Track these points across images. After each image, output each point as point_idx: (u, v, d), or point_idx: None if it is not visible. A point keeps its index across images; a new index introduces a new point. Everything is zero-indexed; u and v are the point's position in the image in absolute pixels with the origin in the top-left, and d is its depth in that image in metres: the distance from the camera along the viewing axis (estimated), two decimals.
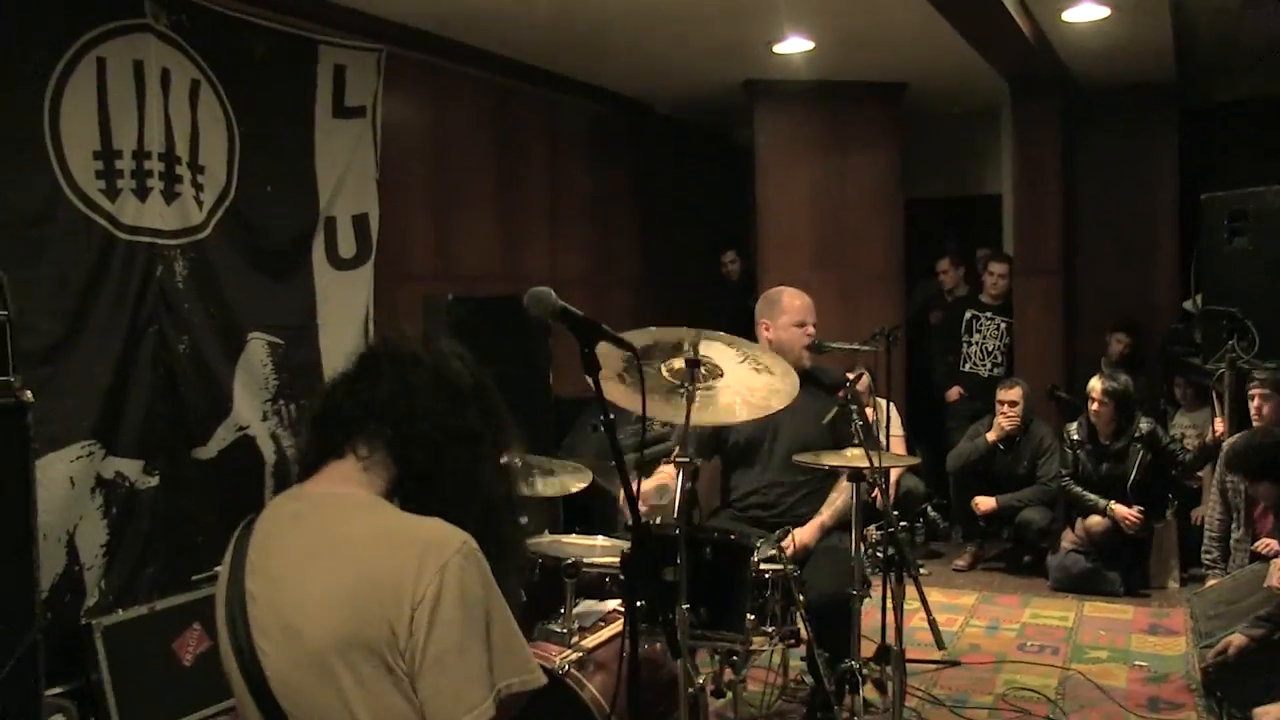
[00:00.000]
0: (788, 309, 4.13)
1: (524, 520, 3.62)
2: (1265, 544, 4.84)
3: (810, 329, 4.09)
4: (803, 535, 3.89)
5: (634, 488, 1.99)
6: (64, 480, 4.05)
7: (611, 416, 1.88)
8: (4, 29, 3.88)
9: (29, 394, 2.99)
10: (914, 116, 7.91)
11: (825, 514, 4.02)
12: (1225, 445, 4.99)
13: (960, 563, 6.74)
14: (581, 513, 5.42)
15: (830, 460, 3.63)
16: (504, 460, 1.76)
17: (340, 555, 1.59)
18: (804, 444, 3.88)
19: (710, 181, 9.06)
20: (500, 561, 1.63)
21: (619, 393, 3.01)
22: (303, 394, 4.97)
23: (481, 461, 1.72)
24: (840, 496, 4.00)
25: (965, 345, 7.50)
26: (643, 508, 3.88)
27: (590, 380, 1.87)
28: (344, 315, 5.26)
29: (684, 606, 2.83)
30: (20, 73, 3.94)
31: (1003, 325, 7.47)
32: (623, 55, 6.55)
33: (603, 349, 1.99)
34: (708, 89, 7.53)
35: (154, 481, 4.45)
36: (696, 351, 2.99)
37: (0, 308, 3.07)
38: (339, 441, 1.68)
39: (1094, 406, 6.17)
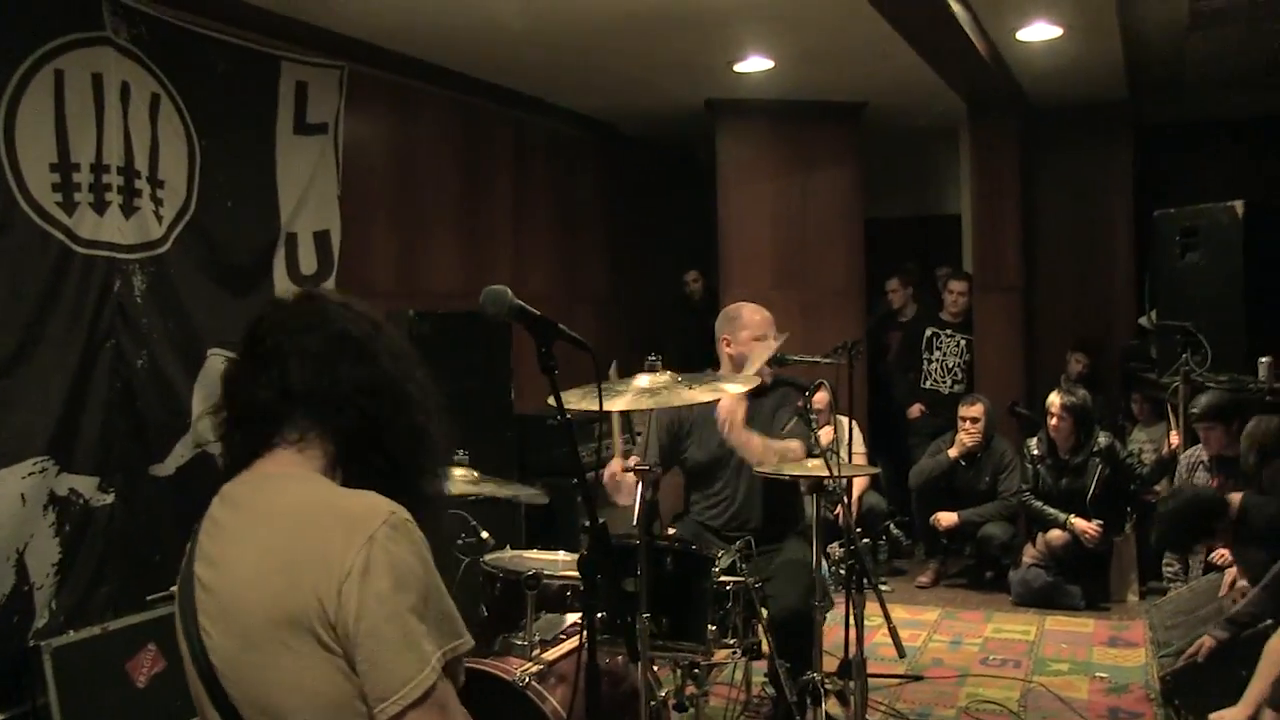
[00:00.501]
0: (748, 324, 4.14)
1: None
2: (1220, 555, 4.90)
3: (771, 343, 4.09)
4: (738, 431, 3.87)
5: (590, 491, 1.98)
6: (14, 497, 3.97)
7: (569, 417, 1.87)
8: None
9: None
10: (874, 136, 7.99)
11: (778, 444, 3.93)
12: (1154, 517, 4.96)
13: (923, 579, 6.76)
14: (544, 527, 5.40)
15: (791, 471, 3.63)
16: (423, 395, 1.71)
17: (271, 530, 1.56)
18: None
19: (674, 200, 9.09)
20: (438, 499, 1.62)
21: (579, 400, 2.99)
22: None
23: (408, 404, 1.67)
24: (789, 444, 3.93)
25: (926, 362, 7.55)
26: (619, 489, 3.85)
27: (547, 379, 1.86)
28: None
29: (644, 616, 2.82)
30: None
31: (963, 342, 7.52)
32: (587, 75, 6.58)
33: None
34: (670, 108, 7.57)
35: (109, 499, 4.37)
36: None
37: None
38: (266, 434, 1.64)
39: (1053, 422, 6.23)
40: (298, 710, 1.50)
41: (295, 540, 1.53)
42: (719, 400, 3.70)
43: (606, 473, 3.77)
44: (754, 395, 3.92)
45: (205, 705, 1.59)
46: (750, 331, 4.11)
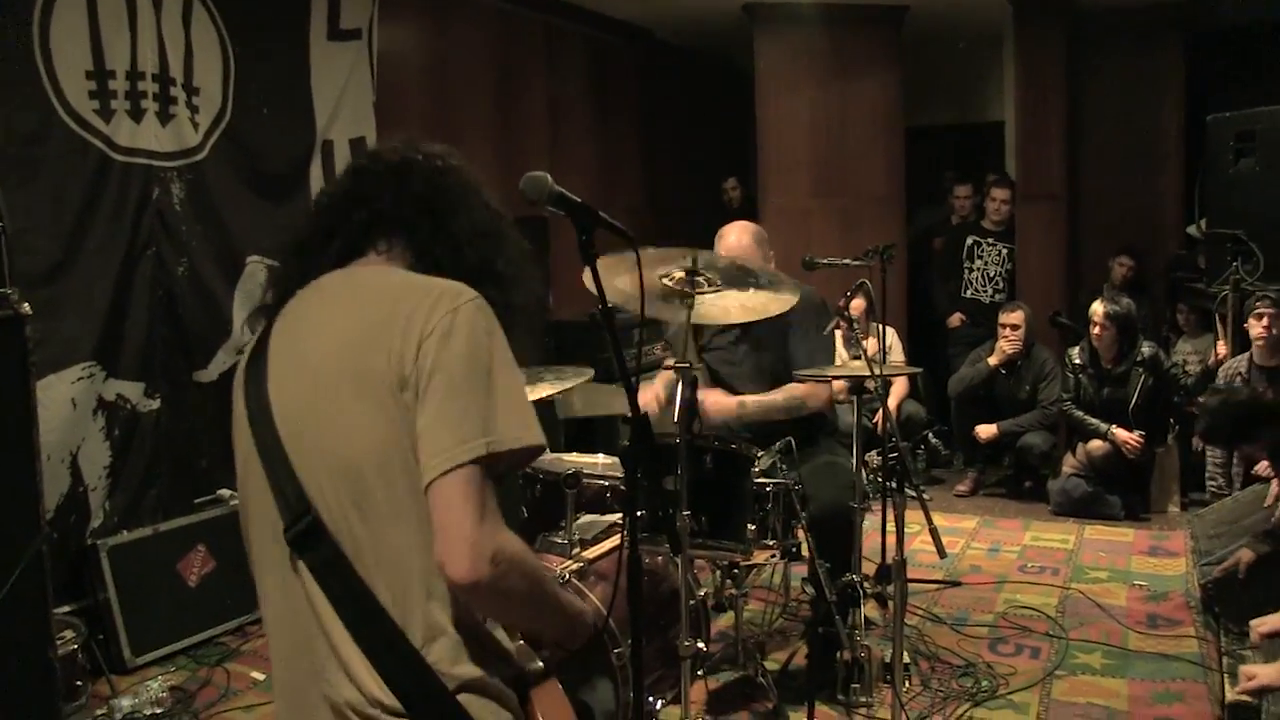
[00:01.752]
0: (716, 249, 3.98)
1: None
2: (1264, 466, 4.85)
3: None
4: (716, 401, 3.82)
5: (633, 382, 1.97)
6: (65, 401, 4.06)
7: (610, 305, 1.86)
8: None
9: (26, 306, 2.98)
10: (916, 42, 7.82)
11: (750, 399, 3.87)
12: (1200, 408, 4.87)
13: (961, 488, 6.77)
14: (582, 432, 5.44)
15: (833, 372, 3.63)
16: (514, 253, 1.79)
17: (358, 299, 1.64)
18: (780, 369, 3.87)
19: (711, 108, 8.98)
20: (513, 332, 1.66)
21: (619, 295, 2.99)
22: None
23: (500, 253, 1.75)
24: (777, 396, 3.87)
25: (966, 271, 7.46)
26: (654, 409, 3.87)
27: (587, 267, 1.85)
28: None
29: (684, 514, 2.84)
30: None
31: (1004, 251, 7.43)
32: None
33: (606, 264, 1.99)
34: (708, 13, 7.44)
35: (155, 404, 4.46)
36: (696, 262, 2.97)
37: None
38: (357, 244, 1.73)
39: (1095, 330, 6.16)
40: (361, 454, 1.55)
41: (382, 306, 1.60)
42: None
43: (642, 398, 3.76)
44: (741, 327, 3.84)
45: (252, 474, 1.65)
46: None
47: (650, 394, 3.97)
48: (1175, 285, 7.14)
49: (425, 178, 1.74)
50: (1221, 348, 5.83)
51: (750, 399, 3.86)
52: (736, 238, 3.94)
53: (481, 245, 1.73)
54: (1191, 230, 6.98)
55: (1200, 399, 5.78)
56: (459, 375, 1.54)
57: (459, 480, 1.51)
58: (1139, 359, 6.13)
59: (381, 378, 1.55)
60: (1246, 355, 5.40)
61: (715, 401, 3.82)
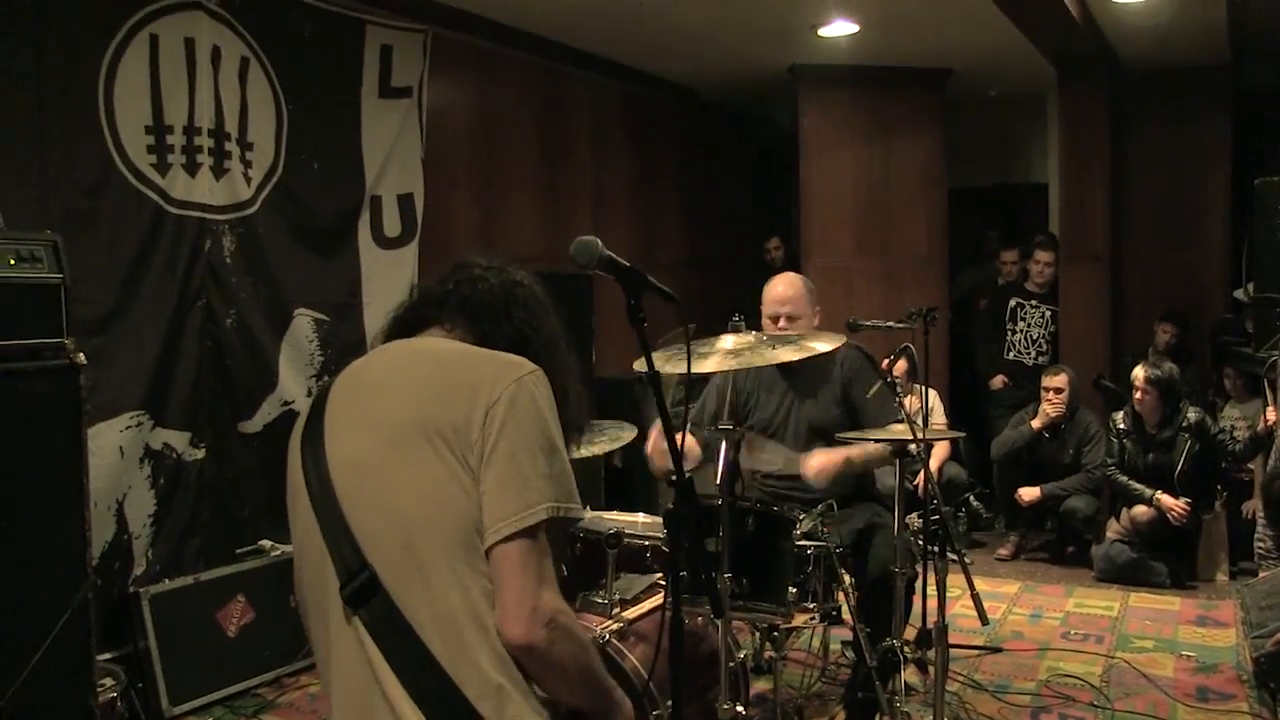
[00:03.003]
0: (765, 299, 4.01)
1: None
2: None
3: (783, 322, 3.91)
4: (819, 459, 3.74)
5: (679, 440, 1.99)
6: (114, 449, 4.12)
7: (656, 370, 1.89)
8: (64, 5, 3.94)
9: (82, 356, 3.04)
10: (959, 103, 7.87)
11: (855, 451, 3.78)
12: (1266, 476, 4.79)
13: (1003, 552, 6.69)
14: (621, 490, 5.44)
15: (875, 435, 3.62)
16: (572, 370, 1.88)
17: (424, 363, 1.72)
18: (823, 425, 3.86)
19: (755, 167, 9.04)
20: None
21: (663, 363, 3.01)
22: None
23: (559, 361, 1.84)
24: (871, 447, 3.79)
25: (1010, 333, 7.43)
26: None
27: (636, 331, 1.88)
28: (388, 294, 5.28)
29: (726, 576, 2.83)
30: (77, 48, 4.00)
31: (1048, 313, 7.40)
32: (667, 39, 6.55)
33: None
34: (752, 73, 7.52)
35: (200, 454, 4.51)
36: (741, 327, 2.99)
37: (56, 270, 3.11)
38: (426, 319, 1.82)
39: (1138, 395, 6.11)
40: (421, 510, 1.60)
41: (450, 370, 1.69)
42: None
43: (649, 443, 3.77)
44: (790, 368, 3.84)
45: (307, 530, 1.68)
46: (764, 309, 3.99)
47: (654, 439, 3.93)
48: (1221, 349, 7.07)
49: (501, 282, 1.86)
50: (1271, 414, 5.77)
51: (855, 450, 3.78)
52: (785, 287, 3.97)
53: (538, 342, 1.83)
54: (1239, 294, 6.92)
55: (1249, 473, 5.70)
56: (523, 442, 1.60)
57: (522, 545, 1.58)
58: (1184, 424, 6.06)
59: (447, 437, 1.61)
60: None
61: (830, 464, 3.73)
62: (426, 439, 1.61)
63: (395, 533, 1.61)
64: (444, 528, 1.59)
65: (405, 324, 1.83)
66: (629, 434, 3.73)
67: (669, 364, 2.95)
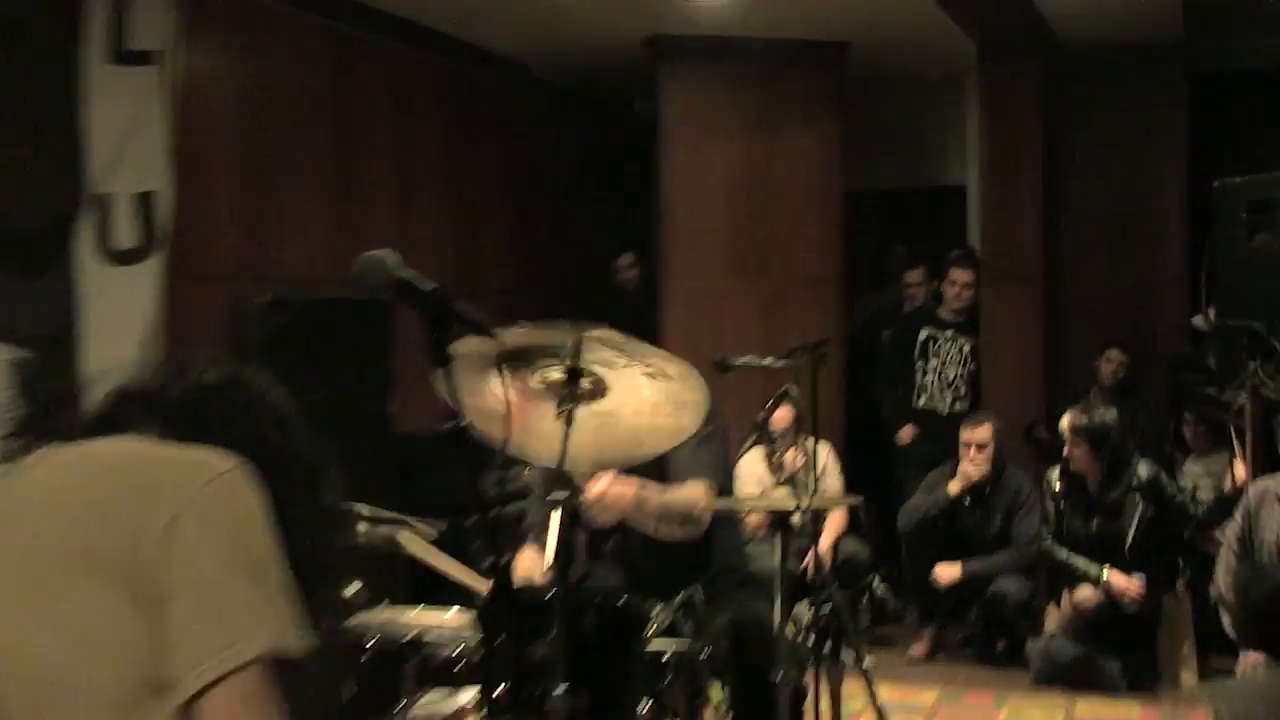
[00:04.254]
0: None
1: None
2: None
3: None
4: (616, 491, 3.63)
5: (492, 524, 1.93)
6: None
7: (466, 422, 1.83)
8: None
9: None
10: (859, 86, 8.02)
11: (654, 491, 3.70)
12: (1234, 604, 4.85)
13: (916, 651, 6.75)
14: (433, 577, 5.30)
15: (750, 502, 3.60)
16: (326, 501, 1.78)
17: (85, 470, 1.61)
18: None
19: (603, 166, 9.06)
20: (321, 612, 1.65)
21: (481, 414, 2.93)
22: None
23: (297, 491, 1.74)
24: (681, 494, 3.74)
25: (920, 373, 7.55)
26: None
27: (439, 375, 1.82)
28: (119, 324, 5.12)
29: (559, 691, 2.76)
30: None
31: (966, 347, 7.54)
32: (492, 2, 6.52)
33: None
34: (600, 46, 7.55)
35: None
36: (578, 358, 2.93)
37: None
38: (116, 423, 1.70)
39: (1067, 449, 6.23)
40: (66, 671, 1.48)
41: (116, 477, 1.58)
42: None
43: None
44: None
45: None
46: None
47: (530, 558, 3.86)
48: (1180, 390, 7.28)
49: (221, 380, 1.77)
50: (1240, 469, 5.88)
51: (652, 485, 3.69)
52: None
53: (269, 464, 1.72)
54: (1198, 321, 7.15)
55: (1216, 544, 5.81)
56: (218, 565, 1.51)
57: (233, 693, 1.47)
58: (1135, 483, 6.19)
59: (108, 566, 1.50)
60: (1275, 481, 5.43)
61: (616, 492, 3.65)
62: (80, 571, 1.51)
63: (29, 703, 1.49)
64: (99, 687, 1.48)
65: (88, 428, 1.71)
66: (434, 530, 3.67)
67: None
